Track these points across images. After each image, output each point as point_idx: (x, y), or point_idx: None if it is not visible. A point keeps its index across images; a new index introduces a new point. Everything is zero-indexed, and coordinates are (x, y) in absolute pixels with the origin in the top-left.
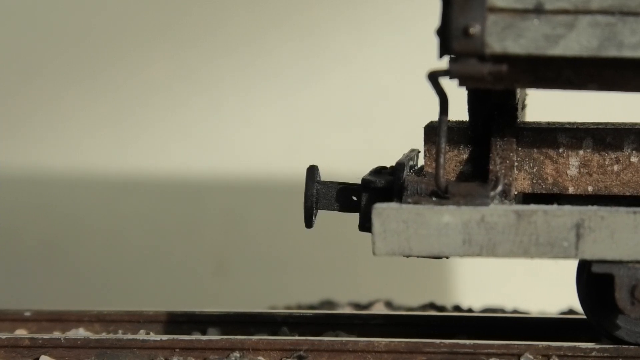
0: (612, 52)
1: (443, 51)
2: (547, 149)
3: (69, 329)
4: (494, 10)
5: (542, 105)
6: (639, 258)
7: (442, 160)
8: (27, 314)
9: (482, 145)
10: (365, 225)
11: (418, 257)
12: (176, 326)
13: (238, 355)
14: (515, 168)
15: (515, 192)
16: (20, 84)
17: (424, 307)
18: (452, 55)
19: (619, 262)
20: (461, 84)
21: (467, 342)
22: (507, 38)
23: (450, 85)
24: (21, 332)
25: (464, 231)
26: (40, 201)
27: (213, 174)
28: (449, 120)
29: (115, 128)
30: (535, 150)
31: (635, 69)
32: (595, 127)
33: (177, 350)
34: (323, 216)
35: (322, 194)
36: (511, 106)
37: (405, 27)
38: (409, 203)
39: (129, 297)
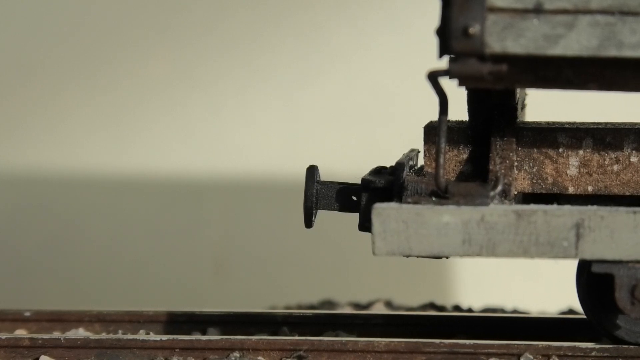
0: (612, 52)
1: (443, 51)
2: (547, 148)
3: (69, 329)
4: (493, 10)
5: (541, 105)
6: (639, 258)
7: (442, 160)
8: (27, 314)
9: (482, 145)
10: (365, 225)
11: (418, 257)
12: (176, 326)
13: (238, 355)
14: (515, 168)
15: (515, 192)
16: (19, 84)
17: (424, 307)
18: (452, 55)
19: (619, 262)
20: (461, 83)
21: (467, 342)
22: (507, 38)
23: (450, 85)
24: (21, 332)
25: (463, 231)
26: (40, 201)
27: (213, 174)
28: (448, 120)
29: (115, 128)
30: (535, 150)
31: (635, 68)
32: (595, 127)
33: (177, 350)
34: (323, 216)
35: (322, 194)
36: (511, 106)
37: (405, 27)
38: (409, 203)
39: (129, 297)
